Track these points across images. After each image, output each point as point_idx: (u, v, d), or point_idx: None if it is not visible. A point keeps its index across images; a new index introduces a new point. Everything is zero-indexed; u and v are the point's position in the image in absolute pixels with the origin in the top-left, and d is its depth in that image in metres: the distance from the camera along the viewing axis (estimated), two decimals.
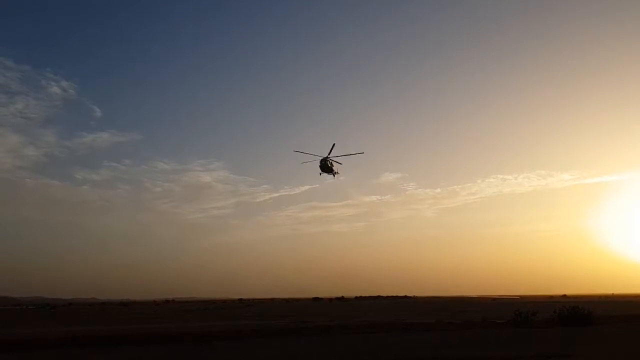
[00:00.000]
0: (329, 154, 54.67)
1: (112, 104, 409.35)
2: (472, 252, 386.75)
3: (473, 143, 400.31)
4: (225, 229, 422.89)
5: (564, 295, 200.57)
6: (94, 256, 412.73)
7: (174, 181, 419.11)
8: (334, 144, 54.24)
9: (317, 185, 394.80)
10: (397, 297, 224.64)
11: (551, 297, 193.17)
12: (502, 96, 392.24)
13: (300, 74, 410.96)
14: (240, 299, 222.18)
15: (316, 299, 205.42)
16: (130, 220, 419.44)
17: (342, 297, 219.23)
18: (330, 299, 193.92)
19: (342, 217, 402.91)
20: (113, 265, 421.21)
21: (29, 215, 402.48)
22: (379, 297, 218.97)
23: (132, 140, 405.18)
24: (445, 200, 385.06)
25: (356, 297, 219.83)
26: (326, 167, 55.91)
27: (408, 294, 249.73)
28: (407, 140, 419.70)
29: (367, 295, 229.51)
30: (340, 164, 58.84)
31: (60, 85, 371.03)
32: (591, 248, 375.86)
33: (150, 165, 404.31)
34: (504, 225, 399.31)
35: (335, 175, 60.59)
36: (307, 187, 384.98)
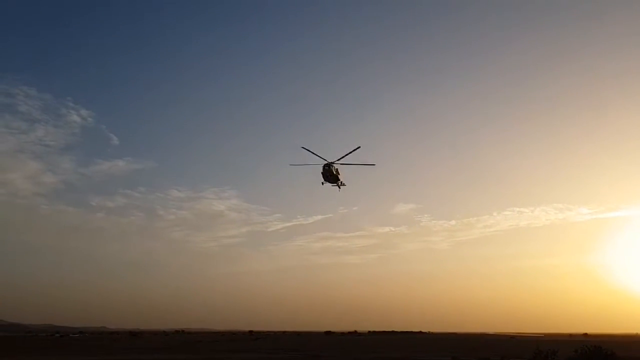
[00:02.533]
0: (337, 160, 48.41)
1: (129, 132, 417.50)
2: (488, 286, 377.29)
3: (489, 174, 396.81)
4: (237, 258, 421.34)
5: (585, 334, 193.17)
6: (106, 284, 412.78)
7: (187, 209, 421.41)
8: (358, 147, 46.23)
9: (331, 215, 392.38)
10: (411, 332, 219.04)
11: (571, 335, 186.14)
12: (519, 128, 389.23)
13: (314, 107, 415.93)
14: (251, 331, 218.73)
15: (328, 332, 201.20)
16: (143, 248, 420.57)
17: (355, 331, 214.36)
18: (343, 333, 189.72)
19: (355, 248, 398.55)
20: (124, 294, 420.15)
21: (44, 241, 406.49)
22: (392, 332, 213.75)
23: (147, 168, 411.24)
24: (461, 233, 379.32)
25: (369, 332, 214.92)
26: (330, 173, 49.66)
27: (422, 330, 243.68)
28: (421, 170, 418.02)
29: (380, 330, 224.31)
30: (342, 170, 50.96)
31: (80, 113, 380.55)
32: (611, 285, 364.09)
33: (164, 192, 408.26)
34: (521, 259, 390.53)
35: (341, 186, 54.53)
36: (320, 216, 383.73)
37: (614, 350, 36.24)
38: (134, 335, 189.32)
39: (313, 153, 48.01)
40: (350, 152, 47.00)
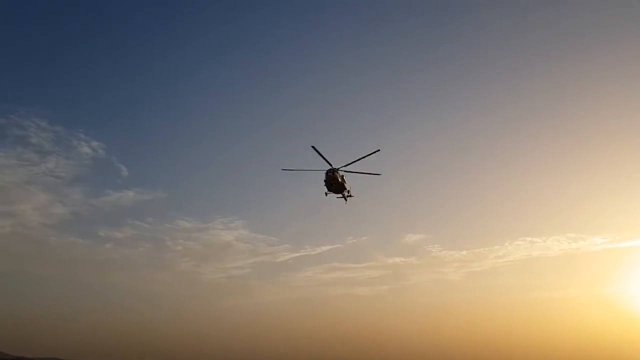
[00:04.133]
0: (345, 165, 42.34)
1: (138, 163, 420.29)
2: (502, 319, 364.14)
3: (500, 203, 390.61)
4: (245, 289, 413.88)
5: None
6: (112, 316, 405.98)
7: (195, 240, 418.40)
8: (377, 150, 40.30)
9: (339, 245, 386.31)
10: None
11: None
12: (529, 157, 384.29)
13: (321, 140, 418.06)
14: None
15: None
16: (151, 280, 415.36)
17: None
18: None
19: (364, 279, 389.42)
20: (131, 327, 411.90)
21: (51, 273, 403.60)
22: None
23: (156, 199, 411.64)
24: (472, 264, 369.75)
25: None
26: (334, 181, 43.00)
27: None
28: (431, 200, 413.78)
29: None
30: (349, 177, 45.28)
31: (91, 145, 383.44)
32: (631, 316, 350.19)
33: (173, 223, 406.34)
34: (536, 291, 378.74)
35: (348, 198, 48.45)
36: (328, 247, 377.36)
37: None
38: None
39: (321, 155, 42.23)
40: (367, 156, 41.22)
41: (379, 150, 41.09)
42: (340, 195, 48.12)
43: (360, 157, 42.28)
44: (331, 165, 43.16)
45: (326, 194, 45.31)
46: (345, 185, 45.86)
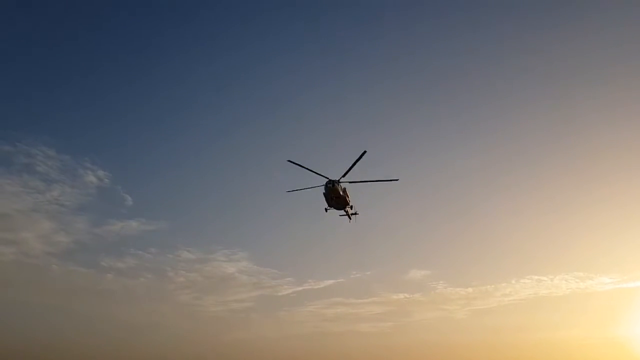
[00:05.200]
0: (343, 176, 37.41)
1: (143, 192, 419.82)
2: (508, 359, 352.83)
3: (506, 240, 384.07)
4: (245, 323, 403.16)
5: None
6: (111, 348, 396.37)
7: (197, 271, 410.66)
8: (364, 152, 35.60)
9: (342, 280, 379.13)
10: None
11: None
12: (537, 192, 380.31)
13: (329, 169, 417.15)
14: None
15: None
16: (150, 311, 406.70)
17: None
18: None
19: (368, 315, 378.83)
20: (130, 359, 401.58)
21: (52, 302, 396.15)
22: None
23: (159, 229, 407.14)
24: (478, 301, 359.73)
25: None
26: (334, 194, 38.11)
27: None
28: (436, 235, 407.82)
29: None
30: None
31: (96, 174, 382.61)
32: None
33: (175, 254, 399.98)
34: (543, 331, 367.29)
35: (352, 215, 44.11)
36: (331, 281, 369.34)
37: None
38: None
39: (303, 167, 36.79)
40: (357, 161, 36.09)
41: (365, 152, 36.66)
42: (343, 212, 43.59)
43: (349, 166, 37.37)
44: (327, 177, 38.36)
45: (326, 209, 40.88)
46: (348, 199, 41.12)
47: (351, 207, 42.69)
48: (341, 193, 39.11)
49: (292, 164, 36.95)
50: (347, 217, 44.80)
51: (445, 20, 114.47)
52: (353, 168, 37.63)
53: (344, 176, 38.42)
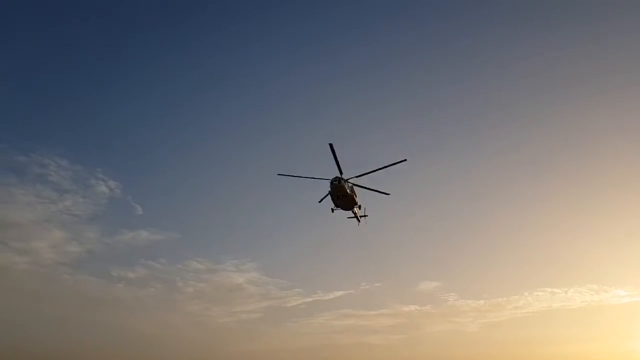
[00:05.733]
0: (356, 177, 34.98)
1: (153, 202, 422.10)
2: None
3: (519, 251, 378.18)
4: (254, 335, 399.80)
5: None
6: (122, 357, 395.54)
7: (206, 281, 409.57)
8: (404, 160, 33.17)
9: (352, 291, 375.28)
10: None
11: None
12: (551, 203, 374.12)
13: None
14: None
15: None
16: (160, 322, 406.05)
17: None
18: None
19: (378, 327, 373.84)
20: None
21: (62, 312, 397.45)
22: None
23: (169, 239, 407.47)
24: (490, 314, 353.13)
25: None
26: (341, 192, 35.18)
27: None
28: (446, 246, 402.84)
29: None
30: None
31: (108, 184, 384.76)
32: None
33: (184, 264, 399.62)
34: (557, 345, 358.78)
35: (362, 218, 41.73)
36: (341, 292, 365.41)
37: None
38: None
39: (295, 176, 35.11)
40: (333, 154, 33.09)
41: (405, 160, 34.32)
42: (352, 214, 40.80)
43: (378, 167, 34.71)
44: (327, 179, 35.31)
45: (333, 210, 37.83)
46: (356, 199, 38.21)
47: (359, 207, 39.71)
48: (348, 191, 35.88)
49: (283, 176, 35.72)
50: (355, 219, 42.10)
51: (451, 21, 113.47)
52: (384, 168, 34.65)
53: (341, 173, 35.40)
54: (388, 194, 37.37)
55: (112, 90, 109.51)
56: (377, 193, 37.25)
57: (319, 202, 37.59)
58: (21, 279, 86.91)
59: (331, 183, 35.16)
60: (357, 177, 36.04)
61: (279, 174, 35.57)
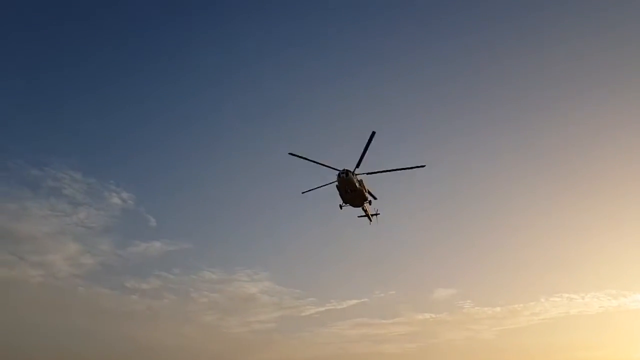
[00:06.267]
0: (356, 167, 32.38)
1: (166, 213, 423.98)
2: None
3: (535, 256, 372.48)
4: (268, 345, 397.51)
5: None
6: None
7: (220, 291, 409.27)
8: (373, 133, 30.75)
9: (366, 300, 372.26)
10: None
11: None
12: (567, 208, 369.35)
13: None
14: None
15: None
16: (174, 332, 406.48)
17: None
18: None
19: (392, 336, 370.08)
20: None
21: (76, 324, 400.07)
22: None
23: (183, 249, 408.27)
24: (506, 321, 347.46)
25: None
26: (349, 186, 32.70)
27: None
28: (461, 252, 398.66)
29: None
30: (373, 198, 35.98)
31: (121, 196, 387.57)
32: None
33: (198, 274, 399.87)
34: (574, 351, 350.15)
35: (373, 216, 39.62)
36: (354, 301, 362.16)
37: None
38: None
39: (306, 159, 32.11)
40: (368, 144, 30.88)
41: (424, 166, 32.57)
42: (362, 213, 38.06)
43: (361, 153, 32.20)
44: (337, 169, 33.00)
45: (341, 206, 35.25)
46: (366, 194, 35.24)
47: (370, 203, 36.53)
48: (357, 185, 33.30)
49: (294, 156, 32.52)
50: (367, 217, 39.60)
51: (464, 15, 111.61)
52: (366, 156, 32.38)
53: (357, 167, 33.06)
54: (423, 166, 33.22)
55: (125, 103, 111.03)
56: (408, 170, 33.75)
57: (341, 208, 35.54)
58: (36, 292, 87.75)
59: (338, 176, 32.80)
60: (367, 173, 33.92)
61: (289, 153, 32.51)
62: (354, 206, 35.96)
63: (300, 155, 32.56)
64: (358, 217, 40.30)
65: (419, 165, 33.00)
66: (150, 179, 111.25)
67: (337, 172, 32.96)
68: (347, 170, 32.68)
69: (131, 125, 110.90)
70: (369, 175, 34.40)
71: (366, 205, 36.83)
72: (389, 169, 33.63)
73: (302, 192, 35.74)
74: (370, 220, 40.07)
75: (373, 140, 31.41)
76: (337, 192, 34.55)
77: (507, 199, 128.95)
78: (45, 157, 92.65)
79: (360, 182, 34.22)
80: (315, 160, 32.35)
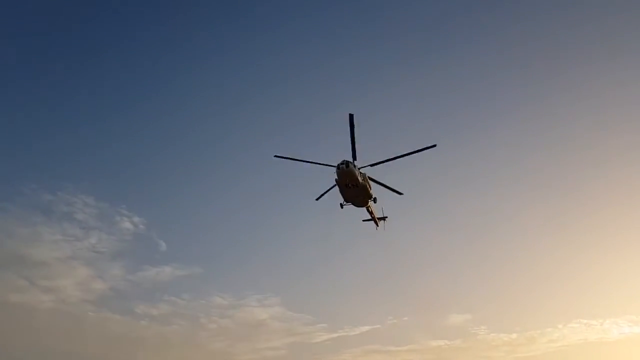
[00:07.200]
0: (353, 159, 28.90)
1: (177, 238, 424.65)
2: None
3: (552, 281, 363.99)
4: None
5: None
6: None
7: (230, 317, 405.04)
8: (433, 145, 27.75)
9: (379, 326, 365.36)
10: None
11: None
12: (584, 232, 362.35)
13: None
14: None
15: None
16: (184, 359, 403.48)
17: None
18: None
19: None
20: None
21: (86, 350, 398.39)
22: None
23: (193, 274, 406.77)
24: (523, 348, 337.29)
25: None
26: (350, 179, 28.55)
27: None
28: (475, 276, 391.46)
29: None
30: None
31: (132, 220, 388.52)
32: None
33: (207, 299, 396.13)
34: None
35: (380, 220, 35.77)
36: (367, 327, 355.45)
37: None
38: None
39: (293, 159, 29.40)
40: (352, 129, 27.68)
41: (435, 145, 28.92)
42: (367, 216, 34.26)
43: (408, 152, 28.73)
44: (333, 165, 29.06)
45: (342, 205, 31.53)
46: (370, 191, 31.42)
47: (375, 201, 32.05)
48: (360, 180, 29.44)
49: (279, 158, 29.62)
50: (373, 222, 35.74)
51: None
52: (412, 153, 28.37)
53: (354, 159, 29.47)
54: (434, 146, 29.03)
55: (137, 129, 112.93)
56: (419, 153, 29.78)
57: (341, 207, 31.28)
58: (47, 317, 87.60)
59: (337, 167, 28.82)
60: (371, 165, 30.04)
61: (275, 156, 29.60)
62: (357, 205, 32.01)
63: (286, 156, 29.59)
64: (363, 221, 36.59)
65: (430, 145, 28.93)
66: (161, 203, 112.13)
67: (337, 165, 29.13)
68: (347, 161, 28.86)
69: (143, 151, 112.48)
70: (372, 175, 31.08)
71: (371, 205, 33.01)
72: (393, 156, 29.60)
73: (316, 199, 32.11)
74: (377, 225, 36.11)
75: (355, 124, 28.03)
76: (337, 186, 30.72)
77: (523, 222, 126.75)
78: (59, 182, 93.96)
79: (364, 176, 30.57)
80: (304, 159, 29.23)
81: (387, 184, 31.38)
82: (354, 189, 29.88)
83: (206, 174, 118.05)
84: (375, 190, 32.20)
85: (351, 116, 27.67)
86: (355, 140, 28.64)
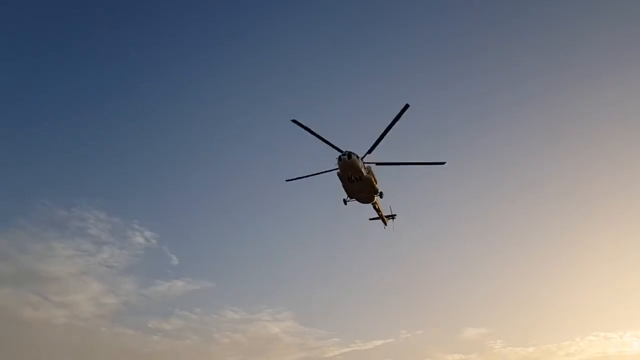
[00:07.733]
0: (368, 152, 26.70)
1: (189, 252, 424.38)
2: None
3: (569, 292, 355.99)
4: None
5: None
6: None
7: (242, 331, 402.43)
8: (406, 105, 26.20)
9: (392, 340, 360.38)
10: None
11: None
12: (601, 240, 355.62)
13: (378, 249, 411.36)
14: None
15: None
16: None
17: None
18: None
19: None
20: None
21: None
22: None
23: (205, 288, 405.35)
24: None
25: None
26: (354, 172, 26.23)
27: None
28: (491, 288, 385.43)
29: None
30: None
31: (144, 235, 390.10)
32: None
33: (220, 314, 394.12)
34: None
35: (388, 218, 33.55)
36: (380, 341, 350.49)
37: None
38: None
39: (308, 130, 26.35)
40: (399, 115, 25.53)
41: (444, 163, 27.54)
42: (375, 214, 32.06)
43: (384, 129, 26.38)
44: (341, 151, 26.81)
45: (345, 201, 29.24)
46: (377, 186, 28.91)
47: (381, 196, 29.36)
48: (364, 173, 27.17)
49: (296, 124, 26.98)
50: (380, 220, 33.36)
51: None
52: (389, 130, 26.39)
53: (369, 152, 27.43)
54: (444, 163, 27.98)
55: (148, 144, 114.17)
56: (428, 166, 28.39)
57: (345, 203, 28.97)
58: (60, 333, 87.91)
59: (339, 159, 26.43)
60: (377, 164, 28.30)
61: (292, 120, 27.00)
62: (362, 202, 29.49)
63: (304, 125, 26.77)
64: (369, 219, 34.32)
65: (439, 162, 27.53)
66: (173, 218, 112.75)
67: (338, 155, 26.87)
68: (350, 152, 26.59)
69: (155, 165, 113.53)
70: (378, 168, 28.84)
71: (377, 201, 30.58)
72: (401, 162, 27.89)
73: (287, 180, 29.88)
74: (385, 224, 33.97)
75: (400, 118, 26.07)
76: (339, 180, 28.95)
77: (539, 234, 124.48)
78: (72, 198, 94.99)
79: (369, 170, 28.18)
80: (319, 135, 26.69)
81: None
82: (357, 182, 27.70)
83: (217, 189, 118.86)
84: (382, 187, 30.32)
85: (406, 106, 25.75)
86: (386, 135, 26.96)
